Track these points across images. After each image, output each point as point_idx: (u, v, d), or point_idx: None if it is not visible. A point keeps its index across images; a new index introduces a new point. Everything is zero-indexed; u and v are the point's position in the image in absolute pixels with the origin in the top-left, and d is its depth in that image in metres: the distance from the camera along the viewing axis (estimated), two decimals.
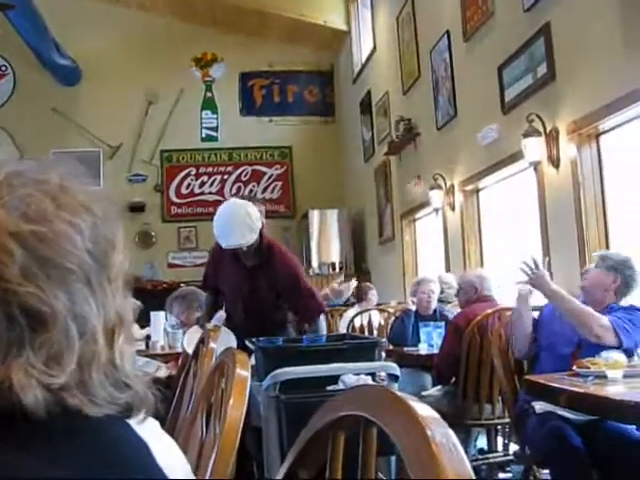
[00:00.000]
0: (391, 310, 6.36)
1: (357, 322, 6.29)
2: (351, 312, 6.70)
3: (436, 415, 0.61)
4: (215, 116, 12.14)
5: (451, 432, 0.59)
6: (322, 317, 4.30)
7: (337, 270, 10.80)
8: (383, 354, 4.81)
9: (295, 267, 4.30)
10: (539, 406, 3.11)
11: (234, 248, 4.02)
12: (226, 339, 3.95)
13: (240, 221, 3.98)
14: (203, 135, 12.10)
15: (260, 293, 4.19)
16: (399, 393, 0.66)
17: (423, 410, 0.61)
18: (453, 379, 4.46)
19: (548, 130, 5.13)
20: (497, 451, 4.59)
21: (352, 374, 2.77)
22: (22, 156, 10.04)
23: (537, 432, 3.08)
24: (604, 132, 4.81)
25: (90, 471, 0.66)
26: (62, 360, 0.68)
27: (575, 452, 2.91)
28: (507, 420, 4.08)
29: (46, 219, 0.69)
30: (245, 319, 4.22)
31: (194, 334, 4.22)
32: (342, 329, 6.38)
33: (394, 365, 2.95)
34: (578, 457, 2.90)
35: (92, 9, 11.13)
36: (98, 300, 0.72)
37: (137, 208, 11.37)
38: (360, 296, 7.51)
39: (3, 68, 11.50)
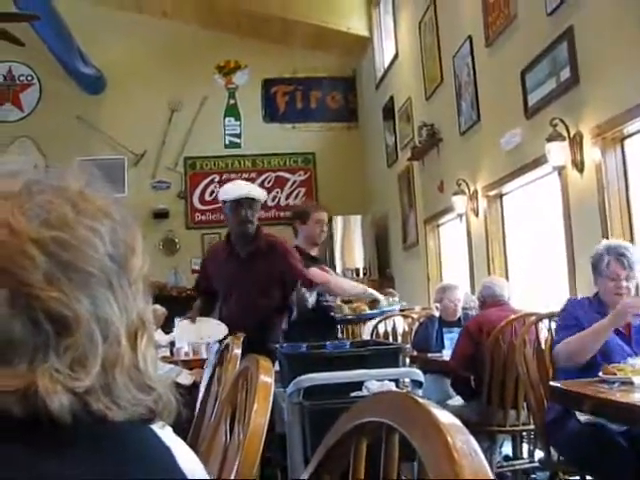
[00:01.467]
0: (415, 316, 6.34)
1: (381, 328, 6.27)
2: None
3: (457, 422, 0.62)
4: (238, 123, 12.19)
5: (472, 438, 0.59)
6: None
7: (361, 275, 10.79)
8: (407, 360, 4.82)
9: (287, 249, 4.38)
10: (584, 417, 3.08)
11: (243, 198, 4.13)
12: (216, 329, 4.02)
13: (252, 184, 4.59)
14: (226, 142, 12.15)
15: (254, 283, 4.19)
16: (420, 399, 0.67)
17: (444, 416, 0.62)
18: (472, 382, 4.48)
19: (572, 134, 5.10)
20: (522, 458, 4.57)
21: (376, 380, 2.77)
22: (47, 164, 10.14)
23: (581, 438, 3.05)
24: (629, 136, 4.77)
25: (115, 476, 0.67)
26: (87, 363, 0.69)
27: (624, 457, 2.89)
28: (532, 427, 4.05)
29: (67, 225, 0.71)
30: (239, 310, 4.22)
31: (185, 327, 4.30)
32: (366, 335, 6.36)
33: (418, 371, 2.95)
34: (626, 461, 2.88)
35: (116, 18, 11.24)
36: (120, 303, 0.73)
37: (161, 215, 11.45)
38: None
39: (29, 78, 11.63)
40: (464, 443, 0.57)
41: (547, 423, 3.41)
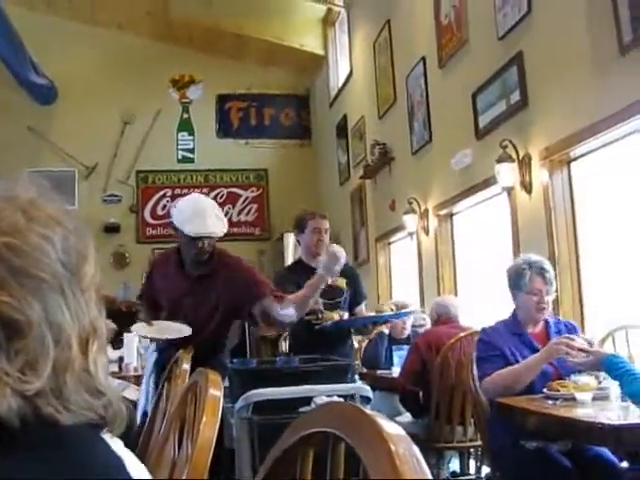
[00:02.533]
0: None
1: None
2: None
3: (401, 431, 0.63)
4: (191, 138, 12.15)
5: (415, 447, 0.61)
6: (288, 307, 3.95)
7: None
8: (357, 377, 4.83)
9: (248, 267, 4.14)
10: (529, 444, 3.11)
11: (204, 236, 3.78)
12: (179, 328, 3.80)
13: (212, 209, 3.88)
14: (179, 156, 12.10)
15: (205, 302, 3.90)
16: (366, 410, 0.68)
17: (388, 426, 0.63)
18: (420, 399, 4.52)
19: (521, 156, 5.20)
20: (469, 474, 4.62)
21: (325, 396, 2.78)
22: None
23: (527, 465, 3.07)
24: (575, 159, 4.89)
25: None
26: (37, 366, 0.69)
27: (568, 478, 2.94)
28: (479, 443, 4.10)
29: (19, 232, 0.71)
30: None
31: (142, 327, 4.09)
32: None
33: (366, 387, 2.97)
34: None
35: (69, 28, 11.15)
36: (72, 309, 0.73)
37: (112, 229, 11.33)
38: None
39: None
40: (407, 451, 0.59)
41: (493, 451, 3.44)
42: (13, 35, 9.10)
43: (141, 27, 11.44)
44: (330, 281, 3.94)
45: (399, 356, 5.00)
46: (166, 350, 3.89)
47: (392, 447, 0.58)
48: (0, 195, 0.76)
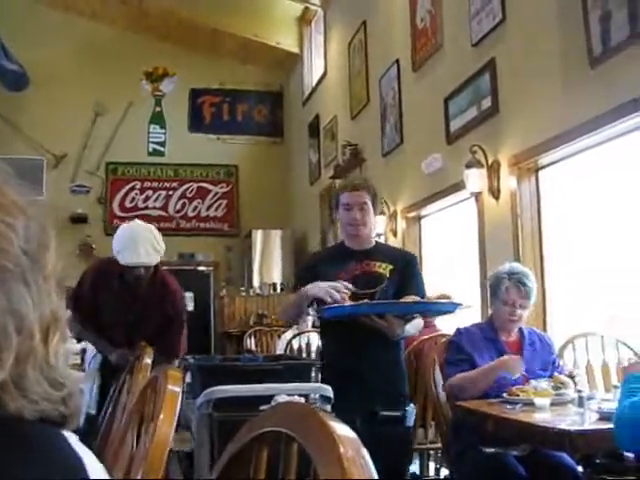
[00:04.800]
0: None
1: (295, 344, 6.29)
2: (289, 334, 6.71)
3: (351, 433, 0.64)
4: (163, 131, 12.08)
5: (363, 449, 0.62)
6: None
7: (278, 291, 10.80)
8: (319, 376, 4.84)
9: (181, 311, 4.22)
10: (488, 449, 3.14)
11: (135, 266, 3.87)
12: None
13: (147, 239, 3.90)
14: (150, 149, 12.03)
15: (145, 322, 4.01)
16: (317, 410, 0.69)
17: (338, 427, 0.64)
18: None
19: (490, 162, 5.25)
20: (429, 476, 4.64)
21: (286, 395, 2.79)
22: None
23: (484, 470, 3.11)
24: (542, 167, 4.94)
25: (23, 475, 0.66)
26: (1, 357, 0.69)
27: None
28: (439, 445, 4.13)
29: None
30: (125, 345, 3.98)
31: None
32: (280, 350, 6.37)
33: (327, 387, 2.98)
34: None
35: (45, 15, 11.04)
36: (34, 298, 0.73)
37: (79, 219, 11.23)
38: None
39: None
40: (355, 452, 0.60)
41: (452, 454, 3.47)
42: None
43: (116, 16, 11.34)
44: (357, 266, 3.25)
45: None
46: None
47: (341, 448, 0.60)
48: None
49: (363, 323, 2.96)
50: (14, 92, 11.08)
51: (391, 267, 3.31)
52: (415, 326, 3.25)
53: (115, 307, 4.05)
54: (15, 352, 0.70)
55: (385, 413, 3.02)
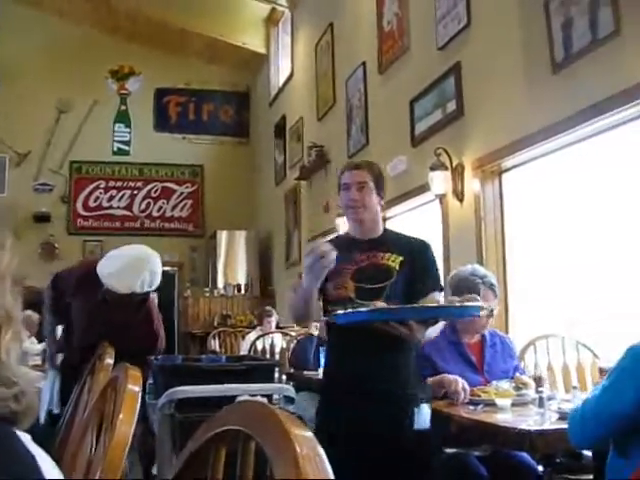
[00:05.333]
0: (293, 334, 6.38)
1: (259, 345, 6.29)
2: (253, 335, 6.71)
3: (307, 432, 0.65)
4: (128, 130, 11.99)
5: (319, 447, 0.62)
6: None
7: (242, 292, 10.78)
8: (284, 377, 4.84)
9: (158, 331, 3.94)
10: (449, 450, 3.16)
11: (125, 294, 3.58)
12: None
13: (153, 271, 3.64)
14: (115, 148, 11.94)
15: (122, 327, 3.71)
16: (275, 409, 0.69)
17: (294, 426, 0.64)
18: None
19: (454, 165, 5.29)
20: None
21: (248, 395, 2.79)
22: None
23: (445, 470, 3.12)
24: (506, 170, 5.00)
25: None
26: None
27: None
28: None
29: None
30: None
31: None
32: (244, 351, 6.36)
33: (290, 387, 2.98)
34: None
35: (10, 11, 10.89)
36: None
37: (42, 218, 11.10)
38: (260, 320, 7.52)
39: None
40: (311, 450, 0.60)
41: None
42: None
43: (83, 15, 11.24)
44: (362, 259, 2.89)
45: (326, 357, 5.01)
46: (77, 351, 3.85)
47: (297, 447, 0.60)
48: None
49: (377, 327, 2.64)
50: None
51: (401, 259, 2.92)
52: (436, 329, 3.14)
53: (89, 315, 3.84)
54: None
55: (390, 419, 2.70)
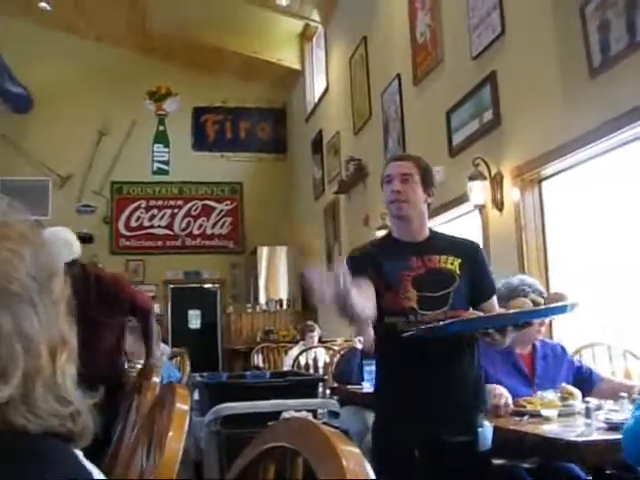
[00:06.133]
0: (336, 348, 6.38)
1: (302, 360, 6.30)
2: (296, 350, 6.71)
3: (354, 447, 0.65)
4: (167, 150, 12.15)
5: (366, 462, 0.63)
6: (152, 318, 3.91)
7: (284, 307, 10.81)
8: (327, 392, 4.84)
9: (115, 279, 4.15)
10: (498, 461, 3.13)
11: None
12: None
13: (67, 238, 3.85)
14: (154, 168, 12.10)
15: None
16: (320, 424, 0.71)
17: (341, 441, 0.65)
18: None
19: (493, 174, 5.26)
20: None
21: (294, 410, 2.80)
22: None
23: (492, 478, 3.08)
24: (545, 178, 4.95)
25: None
26: (7, 374, 0.71)
27: None
28: None
29: None
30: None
31: None
32: (287, 366, 6.37)
33: (334, 402, 2.98)
34: None
35: (48, 38, 11.13)
36: (42, 320, 0.76)
37: (85, 239, 11.24)
38: (302, 335, 7.52)
39: None
40: (357, 465, 0.61)
41: None
42: None
43: (119, 38, 11.44)
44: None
45: (369, 372, 5.00)
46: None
47: (343, 462, 0.61)
48: None
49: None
50: (19, 114, 11.18)
51: (459, 261, 2.65)
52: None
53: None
54: (22, 370, 0.72)
55: (453, 439, 2.47)
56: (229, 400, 3.01)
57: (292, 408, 2.80)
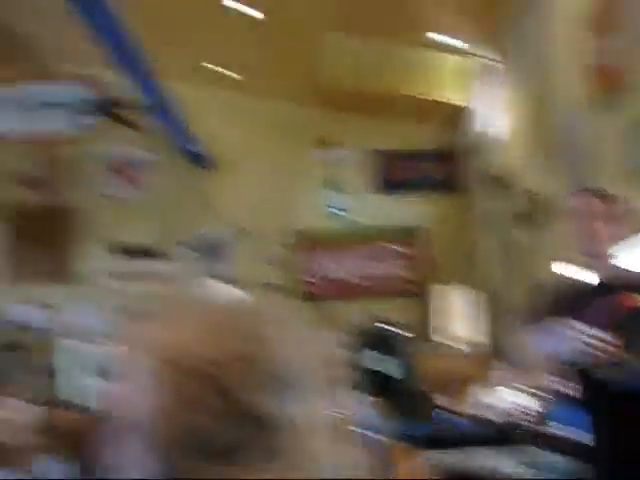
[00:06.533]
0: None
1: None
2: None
3: None
4: (342, 195, 12.34)
5: None
6: None
7: (469, 348, 10.59)
8: None
9: None
10: None
11: None
12: None
13: None
14: (330, 214, 12.31)
15: None
16: None
17: None
18: None
19: None
20: None
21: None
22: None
23: None
24: None
25: None
26: None
27: None
28: None
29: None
30: None
31: None
32: None
33: None
34: None
35: (220, 98, 11.71)
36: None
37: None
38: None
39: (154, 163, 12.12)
40: None
41: None
42: (176, 111, 9.79)
43: (289, 93, 11.78)
44: None
45: None
46: None
47: None
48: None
49: None
50: (203, 170, 11.86)
51: None
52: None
53: None
54: None
55: None
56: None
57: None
